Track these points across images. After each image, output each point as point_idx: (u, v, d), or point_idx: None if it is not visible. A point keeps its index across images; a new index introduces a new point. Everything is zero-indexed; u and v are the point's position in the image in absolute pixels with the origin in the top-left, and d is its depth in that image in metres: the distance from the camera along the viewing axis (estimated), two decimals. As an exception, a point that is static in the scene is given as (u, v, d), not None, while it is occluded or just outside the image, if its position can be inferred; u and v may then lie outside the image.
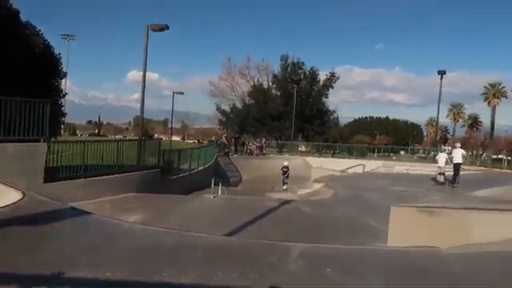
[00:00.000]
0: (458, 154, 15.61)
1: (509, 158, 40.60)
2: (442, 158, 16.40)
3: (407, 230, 5.26)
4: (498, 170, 25.60)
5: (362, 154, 33.65)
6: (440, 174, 16.31)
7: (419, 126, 79.02)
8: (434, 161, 19.28)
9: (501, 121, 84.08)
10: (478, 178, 19.13)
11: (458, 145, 17.48)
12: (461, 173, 15.62)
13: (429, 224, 5.15)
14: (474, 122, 64.53)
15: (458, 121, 62.52)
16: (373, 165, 26.58)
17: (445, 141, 62.87)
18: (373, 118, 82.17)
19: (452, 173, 15.61)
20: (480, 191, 13.20)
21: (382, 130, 69.17)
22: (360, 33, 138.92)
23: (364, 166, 26.08)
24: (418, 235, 5.06)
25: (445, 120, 62.50)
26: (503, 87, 51.03)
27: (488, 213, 5.24)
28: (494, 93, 51.32)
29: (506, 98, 50.84)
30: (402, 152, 43.88)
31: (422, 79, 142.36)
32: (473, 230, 4.92)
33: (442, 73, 31.86)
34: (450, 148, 36.11)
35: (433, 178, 17.10)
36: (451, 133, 64.70)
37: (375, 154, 36.76)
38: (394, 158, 37.15)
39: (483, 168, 26.61)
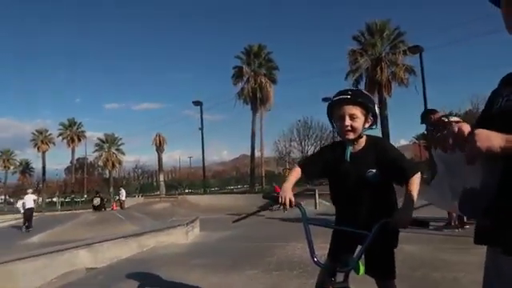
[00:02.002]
0: (30, 200, 16.85)
1: (61, 199, 43.64)
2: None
3: None
4: (50, 213, 26.84)
5: None
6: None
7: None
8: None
9: (51, 165, 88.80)
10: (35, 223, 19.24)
11: (30, 191, 18.39)
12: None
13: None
14: (27, 168, 64.21)
15: (8, 167, 59.58)
16: None
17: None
18: None
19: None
20: (34, 237, 13.32)
21: None
22: None
23: None
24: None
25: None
26: (50, 134, 54.32)
27: (32, 260, 5.43)
28: (42, 139, 53.36)
29: (54, 144, 54.41)
30: None
31: None
32: (20, 279, 4.96)
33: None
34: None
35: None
36: (2, 180, 60.57)
37: None
38: None
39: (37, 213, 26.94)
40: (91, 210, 25.08)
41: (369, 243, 1.79)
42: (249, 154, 36.60)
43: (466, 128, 1.00)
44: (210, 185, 38.43)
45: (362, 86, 28.49)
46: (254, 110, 34.44)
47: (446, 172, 1.16)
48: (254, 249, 5.86)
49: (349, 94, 2.08)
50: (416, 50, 19.68)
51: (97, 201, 25.62)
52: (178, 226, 7.34)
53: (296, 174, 2.24)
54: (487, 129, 1.00)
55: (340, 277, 1.82)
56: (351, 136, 2.08)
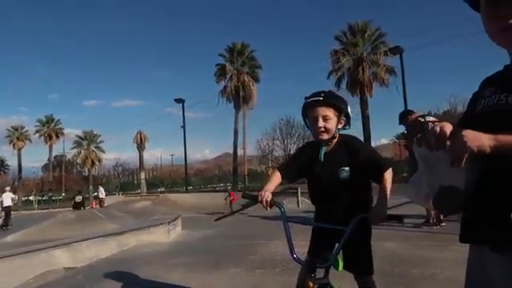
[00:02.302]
0: (8, 198, 17.01)
1: (38, 198, 42.56)
2: None
3: None
4: (27, 212, 26.29)
5: None
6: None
7: None
8: None
9: (28, 163, 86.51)
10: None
11: (8, 188, 18.77)
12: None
13: None
14: (1, 166, 62.39)
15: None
16: None
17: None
18: None
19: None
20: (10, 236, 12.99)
21: None
22: None
23: None
24: None
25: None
26: (26, 131, 52.83)
27: (8, 259, 5.27)
28: (17, 136, 51.82)
29: (30, 141, 52.93)
30: None
31: None
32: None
33: None
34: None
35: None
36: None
37: None
38: None
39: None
40: (71, 208, 24.61)
41: (347, 238, 1.85)
42: (231, 152, 36.54)
43: (448, 128, 1.02)
44: (192, 183, 38.23)
45: (343, 86, 28.87)
46: (237, 108, 34.37)
47: (426, 169, 1.19)
48: (236, 247, 5.86)
49: (321, 96, 2.15)
50: (396, 50, 20.07)
51: (79, 198, 25.23)
52: (160, 224, 7.27)
53: (277, 178, 2.32)
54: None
55: (320, 273, 1.86)
56: (325, 137, 2.16)
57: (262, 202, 2.12)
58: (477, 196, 1.08)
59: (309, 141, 2.46)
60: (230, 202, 17.28)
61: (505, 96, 1.07)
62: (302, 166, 2.31)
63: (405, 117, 6.15)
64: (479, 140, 0.98)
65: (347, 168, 2.13)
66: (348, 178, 2.12)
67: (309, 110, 2.19)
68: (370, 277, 2.21)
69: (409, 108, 6.79)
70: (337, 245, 1.97)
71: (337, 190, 2.14)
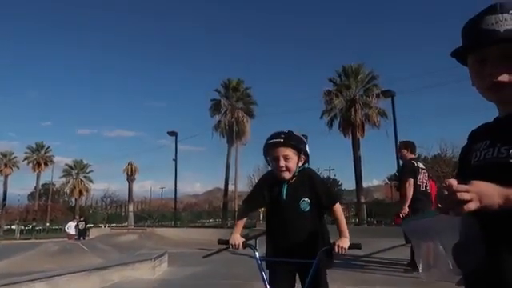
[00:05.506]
0: None
1: (21, 227, 41.26)
2: None
3: None
4: (8, 241, 25.39)
5: None
6: None
7: None
8: None
9: (13, 190, 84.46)
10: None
11: None
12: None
13: None
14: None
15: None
16: None
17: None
18: None
19: None
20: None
21: None
22: None
23: None
24: None
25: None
26: (15, 157, 52.15)
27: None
28: (5, 162, 51.04)
29: (18, 168, 52.12)
30: None
31: None
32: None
33: None
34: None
35: None
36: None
37: None
38: None
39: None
40: (75, 235, 23.99)
41: (316, 268, 2.06)
42: (222, 187, 36.23)
43: (457, 185, 0.93)
44: (181, 218, 37.54)
45: (336, 126, 29.33)
46: (230, 143, 34.49)
47: (427, 241, 1.11)
48: (222, 287, 5.69)
49: (282, 138, 2.32)
50: (388, 94, 20.59)
51: (82, 225, 24.55)
52: (145, 260, 7.05)
53: (241, 222, 2.54)
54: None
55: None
56: (287, 175, 2.33)
57: (233, 247, 2.34)
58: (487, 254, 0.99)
59: (269, 170, 2.56)
60: None
61: (506, 149, 1.03)
62: (263, 201, 2.45)
63: (412, 147, 6.09)
64: (489, 197, 0.91)
65: (307, 199, 2.29)
66: (308, 209, 2.29)
67: (270, 150, 2.35)
68: None
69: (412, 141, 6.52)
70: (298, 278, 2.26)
71: (298, 221, 2.29)
